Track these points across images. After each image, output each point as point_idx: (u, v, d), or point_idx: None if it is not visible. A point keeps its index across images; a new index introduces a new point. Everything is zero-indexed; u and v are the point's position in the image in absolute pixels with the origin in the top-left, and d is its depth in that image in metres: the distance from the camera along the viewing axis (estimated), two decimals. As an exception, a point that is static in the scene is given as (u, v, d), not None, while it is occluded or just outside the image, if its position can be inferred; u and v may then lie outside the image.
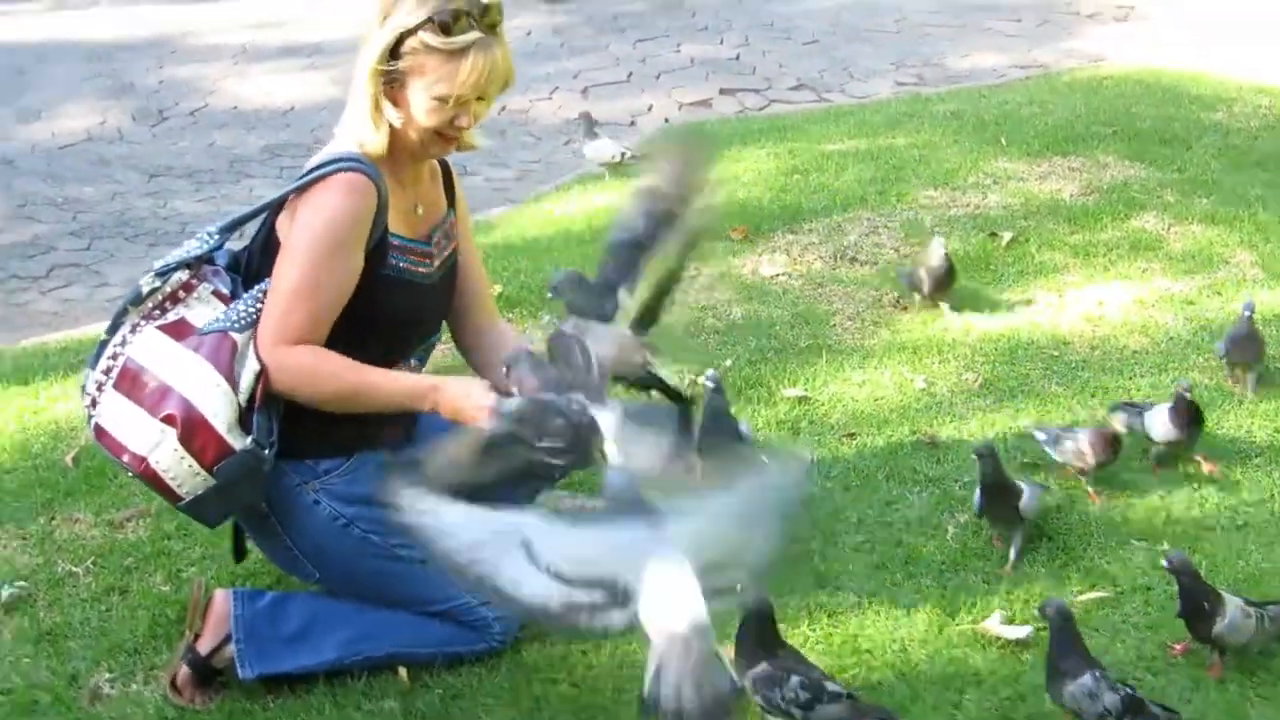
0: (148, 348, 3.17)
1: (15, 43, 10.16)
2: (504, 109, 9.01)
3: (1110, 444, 4.04)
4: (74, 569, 3.90)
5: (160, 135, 8.71)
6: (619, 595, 2.43)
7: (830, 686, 3.08)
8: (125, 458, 3.14)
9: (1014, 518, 3.79)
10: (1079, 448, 4.04)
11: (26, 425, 4.73)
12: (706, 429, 3.94)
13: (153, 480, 3.14)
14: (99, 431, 3.19)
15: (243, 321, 3.17)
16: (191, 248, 3.30)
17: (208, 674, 3.37)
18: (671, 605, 2.40)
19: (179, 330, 3.18)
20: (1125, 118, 7.44)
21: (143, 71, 9.88)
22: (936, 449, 4.39)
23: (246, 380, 3.14)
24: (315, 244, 3.12)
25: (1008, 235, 5.94)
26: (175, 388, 3.12)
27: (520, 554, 2.42)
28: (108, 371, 3.18)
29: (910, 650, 3.48)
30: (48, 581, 3.85)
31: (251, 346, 3.15)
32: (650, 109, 8.86)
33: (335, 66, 9.50)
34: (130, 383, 3.15)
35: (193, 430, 3.10)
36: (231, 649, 3.33)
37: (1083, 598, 3.66)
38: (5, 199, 7.74)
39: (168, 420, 3.10)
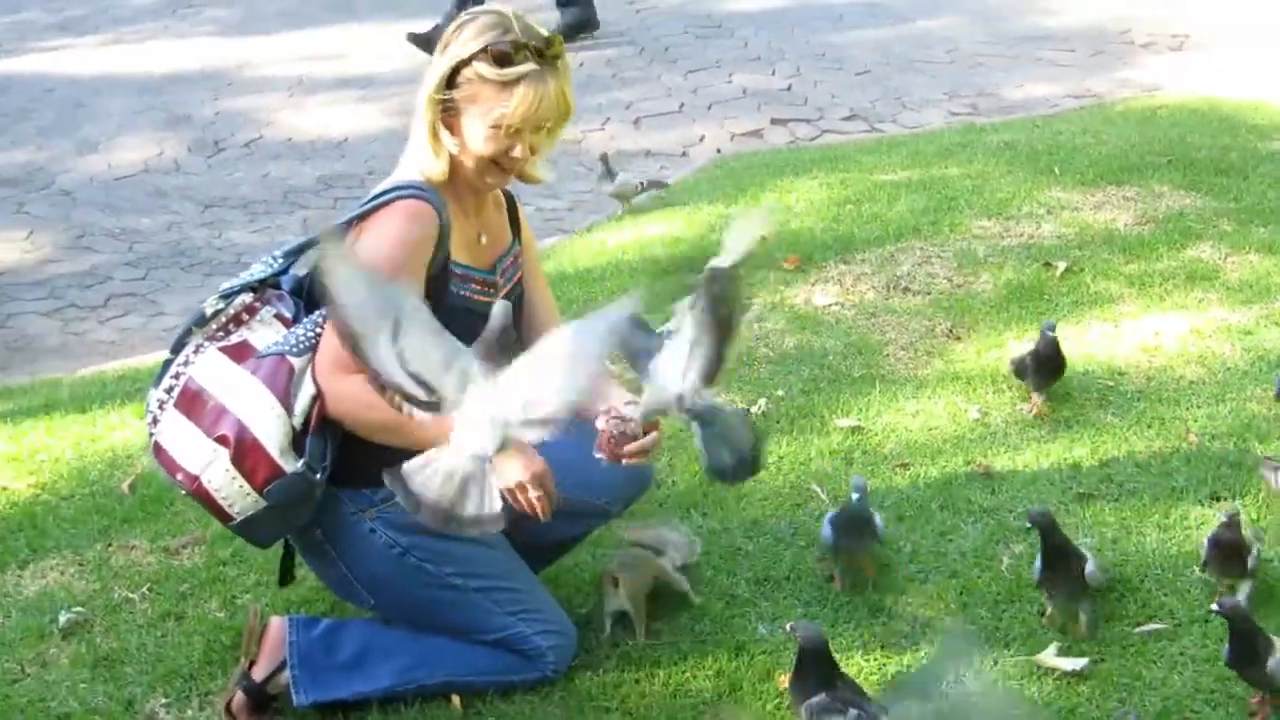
0: (208, 368, 3.20)
1: (73, 75, 10.26)
2: (556, 139, 9.01)
3: (1221, 550, 3.69)
4: (130, 595, 3.94)
5: (216, 166, 8.77)
6: (431, 400, 2.90)
7: (887, 720, 3.06)
8: (179, 476, 3.19)
9: (1078, 586, 3.62)
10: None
11: (84, 453, 4.77)
12: (843, 531, 3.85)
13: (205, 499, 3.17)
14: (157, 449, 3.25)
15: (301, 346, 3.19)
16: (256, 271, 3.34)
17: (263, 700, 3.39)
18: (468, 432, 2.87)
19: (239, 352, 3.21)
20: (1180, 147, 7.40)
21: (198, 103, 9.95)
22: (991, 480, 4.37)
23: (302, 404, 3.17)
24: (375, 269, 3.14)
25: (1062, 265, 5.91)
26: (231, 409, 3.15)
27: (389, 326, 2.84)
28: (169, 390, 3.23)
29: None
30: (104, 607, 3.88)
31: (309, 371, 3.17)
32: (702, 139, 8.86)
33: (389, 99, 9.54)
34: (190, 402, 3.19)
35: (244, 451, 3.13)
36: (286, 676, 3.35)
37: (1140, 629, 3.63)
38: (64, 229, 7.81)
39: (221, 440, 3.13)
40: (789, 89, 9.74)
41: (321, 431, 3.20)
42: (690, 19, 11.47)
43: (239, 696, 3.39)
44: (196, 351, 3.25)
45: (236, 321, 3.28)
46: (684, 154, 8.65)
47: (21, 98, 9.84)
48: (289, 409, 3.17)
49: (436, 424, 3.08)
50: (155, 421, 3.25)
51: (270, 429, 3.15)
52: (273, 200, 8.16)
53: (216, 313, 3.28)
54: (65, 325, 6.65)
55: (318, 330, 3.22)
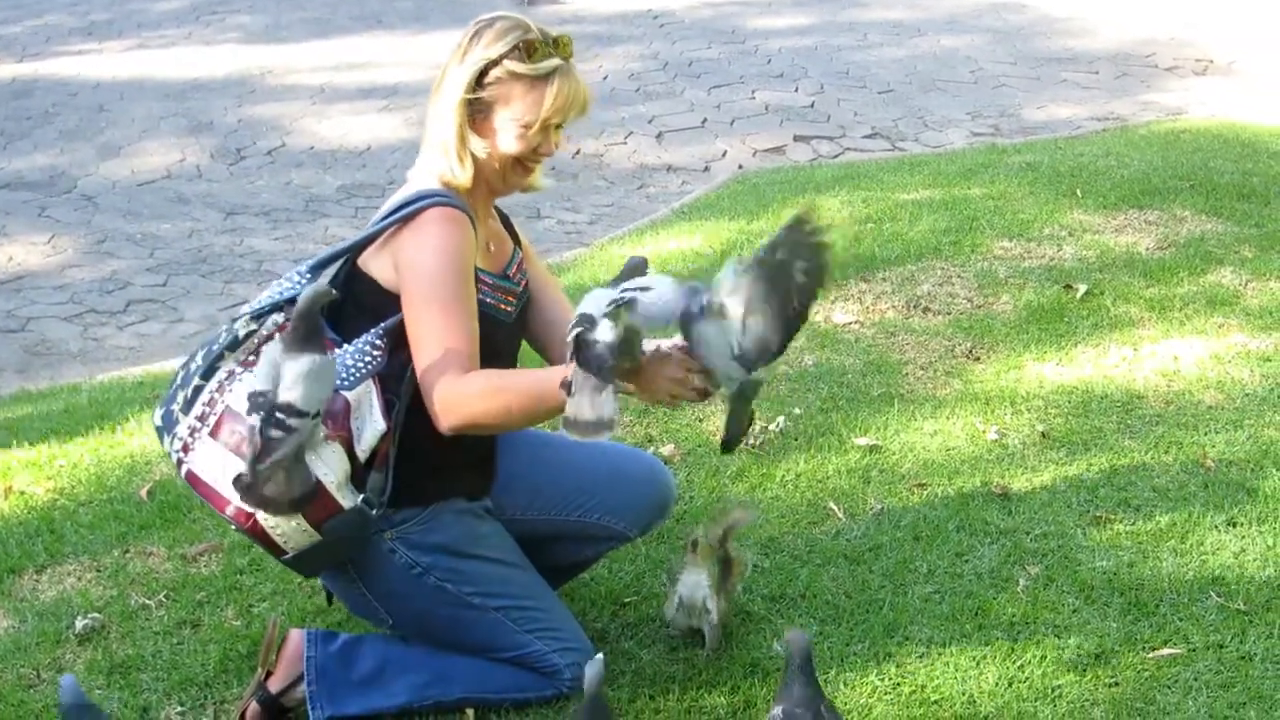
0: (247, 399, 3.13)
1: (97, 80, 10.32)
2: (578, 152, 9.05)
3: None
4: (147, 602, 3.94)
5: (238, 174, 8.81)
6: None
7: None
8: (228, 511, 3.08)
9: None
10: None
11: (102, 459, 4.78)
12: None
13: (258, 535, 3.09)
14: (193, 479, 3.12)
15: (353, 378, 3.12)
16: (285, 289, 3.24)
17: (277, 712, 3.38)
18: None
19: None
20: (1203, 171, 7.40)
21: (222, 110, 10.01)
22: (1008, 501, 4.37)
23: (369, 439, 3.10)
24: (443, 277, 3.11)
25: (1082, 288, 5.92)
26: None
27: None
28: (203, 419, 3.12)
29: (979, 703, 3.45)
30: (121, 614, 3.89)
31: (370, 403, 3.12)
32: (724, 154, 8.88)
33: (411, 108, 9.59)
34: (229, 434, 3.13)
35: None
36: (303, 689, 3.34)
37: (1155, 654, 3.62)
38: (85, 234, 7.84)
39: None
40: (812, 106, 9.76)
41: (383, 466, 3.18)
42: (715, 34, 11.52)
43: (254, 707, 3.37)
44: (229, 378, 3.15)
45: (269, 343, 3.21)
46: (706, 169, 8.67)
47: (45, 101, 9.89)
48: (348, 443, 3.14)
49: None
50: (186, 449, 3.13)
51: (328, 464, 3.13)
52: (294, 208, 8.19)
53: (249, 334, 3.22)
54: (85, 330, 6.67)
55: (365, 359, 3.13)
